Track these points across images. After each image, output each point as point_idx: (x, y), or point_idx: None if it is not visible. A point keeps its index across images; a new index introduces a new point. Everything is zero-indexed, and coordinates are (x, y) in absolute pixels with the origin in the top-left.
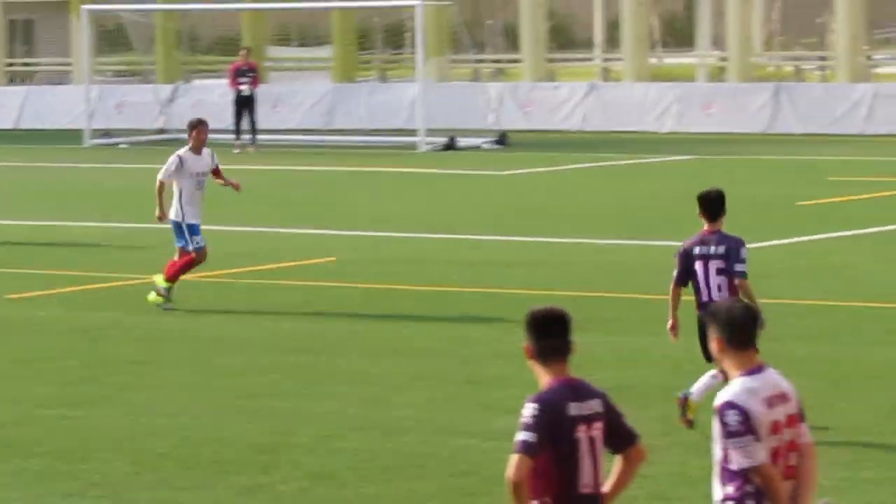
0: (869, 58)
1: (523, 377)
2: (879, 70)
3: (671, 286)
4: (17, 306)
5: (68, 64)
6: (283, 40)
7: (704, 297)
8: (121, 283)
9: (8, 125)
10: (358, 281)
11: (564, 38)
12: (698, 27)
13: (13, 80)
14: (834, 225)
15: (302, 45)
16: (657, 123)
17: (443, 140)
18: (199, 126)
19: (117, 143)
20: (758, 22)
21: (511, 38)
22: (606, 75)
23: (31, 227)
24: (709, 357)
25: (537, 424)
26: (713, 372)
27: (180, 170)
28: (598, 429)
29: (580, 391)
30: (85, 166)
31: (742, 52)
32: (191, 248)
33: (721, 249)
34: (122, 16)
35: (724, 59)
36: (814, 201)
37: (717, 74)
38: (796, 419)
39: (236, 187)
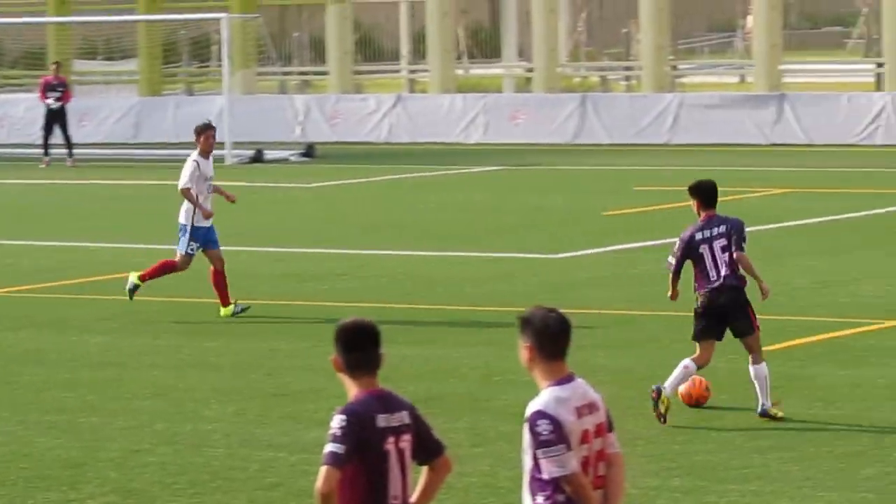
0: (674, 67)
1: (332, 389)
2: (684, 80)
3: (670, 275)
4: None
5: None
6: (89, 54)
7: (713, 276)
8: None
9: None
10: (164, 295)
11: (371, 49)
12: (504, 38)
13: None
14: (639, 235)
15: (108, 58)
16: (464, 134)
17: (250, 153)
18: (206, 131)
19: None
20: (564, 32)
21: (318, 51)
22: (413, 87)
23: None
24: (697, 336)
25: (346, 436)
26: (685, 362)
27: (197, 174)
28: (406, 440)
29: (389, 403)
30: None
31: (548, 62)
32: (183, 250)
33: (722, 229)
34: None
35: (530, 70)
36: (620, 211)
37: (524, 85)
38: (605, 429)
39: (231, 198)
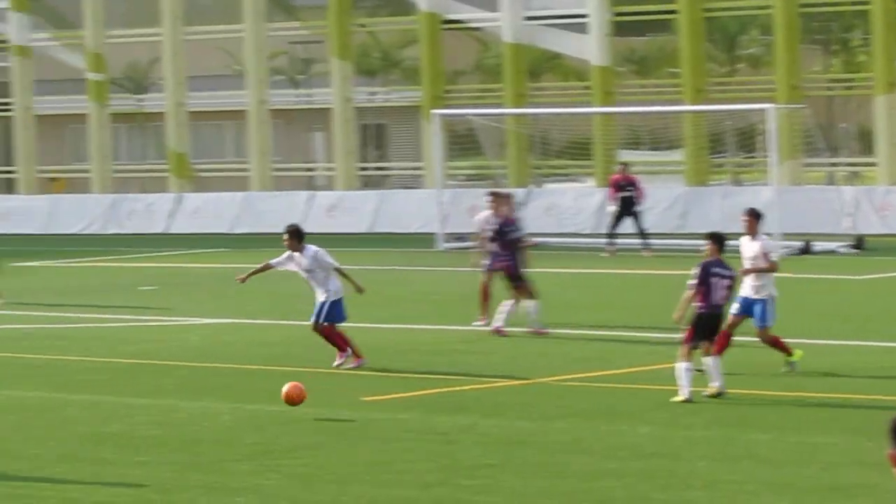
0: None
1: (886, 485)
2: None
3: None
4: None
5: (420, 168)
6: (634, 144)
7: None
8: (474, 386)
9: (362, 229)
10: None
11: None
12: None
13: (367, 184)
14: None
15: (653, 149)
16: None
17: (799, 244)
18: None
19: (470, 248)
20: None
21: (866, 142)
22: None
23: (389, 329)
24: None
25: None
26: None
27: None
28: None
29: None
30: (437, 269)
31: None
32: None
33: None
34: (472, 120)
35: None
36: None
37: None
38: None
39: None
